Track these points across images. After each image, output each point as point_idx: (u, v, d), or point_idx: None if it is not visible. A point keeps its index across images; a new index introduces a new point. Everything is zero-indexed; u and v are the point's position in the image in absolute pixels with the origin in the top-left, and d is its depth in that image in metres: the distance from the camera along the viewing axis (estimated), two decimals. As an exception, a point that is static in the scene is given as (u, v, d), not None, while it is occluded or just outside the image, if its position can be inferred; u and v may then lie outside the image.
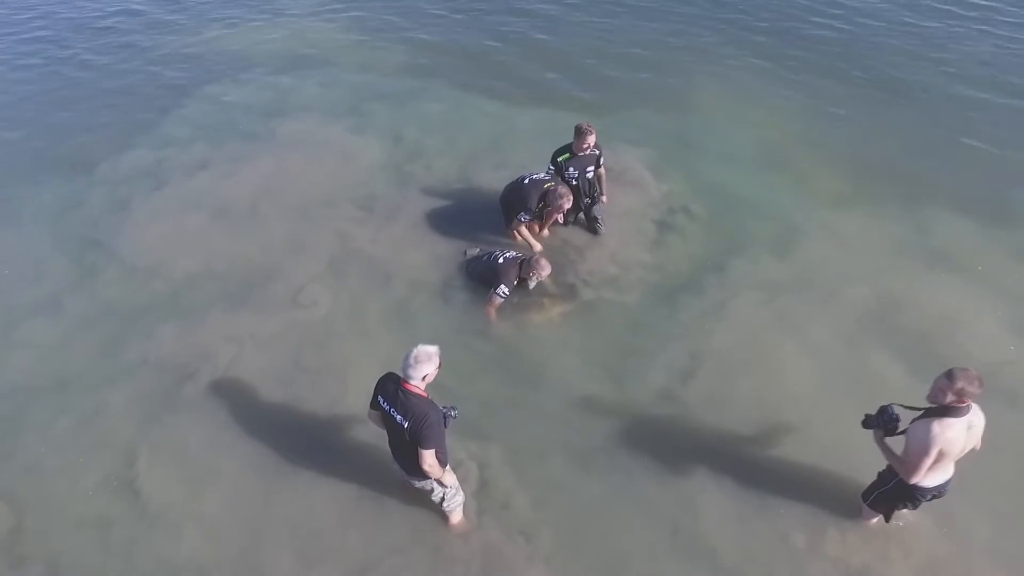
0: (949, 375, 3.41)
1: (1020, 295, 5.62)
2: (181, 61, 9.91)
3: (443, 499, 4.04)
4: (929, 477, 3.62)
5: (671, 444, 4.65)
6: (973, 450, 3.65)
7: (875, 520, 4.11)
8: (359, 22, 10.73)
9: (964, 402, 3.42)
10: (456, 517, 4.20)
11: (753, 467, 4.47)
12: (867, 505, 4.04)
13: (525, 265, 5.64)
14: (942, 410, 3.45)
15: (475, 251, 6.16)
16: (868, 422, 3.75)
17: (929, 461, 3.48)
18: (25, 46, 10.68)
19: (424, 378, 3.64)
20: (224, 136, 8.13)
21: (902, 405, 3.67)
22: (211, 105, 8.80)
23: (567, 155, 6.03)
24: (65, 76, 9.74)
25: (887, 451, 3.72)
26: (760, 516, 4.23)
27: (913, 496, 3.77)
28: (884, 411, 3.68)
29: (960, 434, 3.45)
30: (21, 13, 11.81)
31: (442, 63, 9.46)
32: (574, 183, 6.11)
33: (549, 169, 6.11)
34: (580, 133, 5.89)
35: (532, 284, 5.73)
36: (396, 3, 11.21)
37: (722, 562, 4.04)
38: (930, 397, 3.50)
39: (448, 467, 3.92)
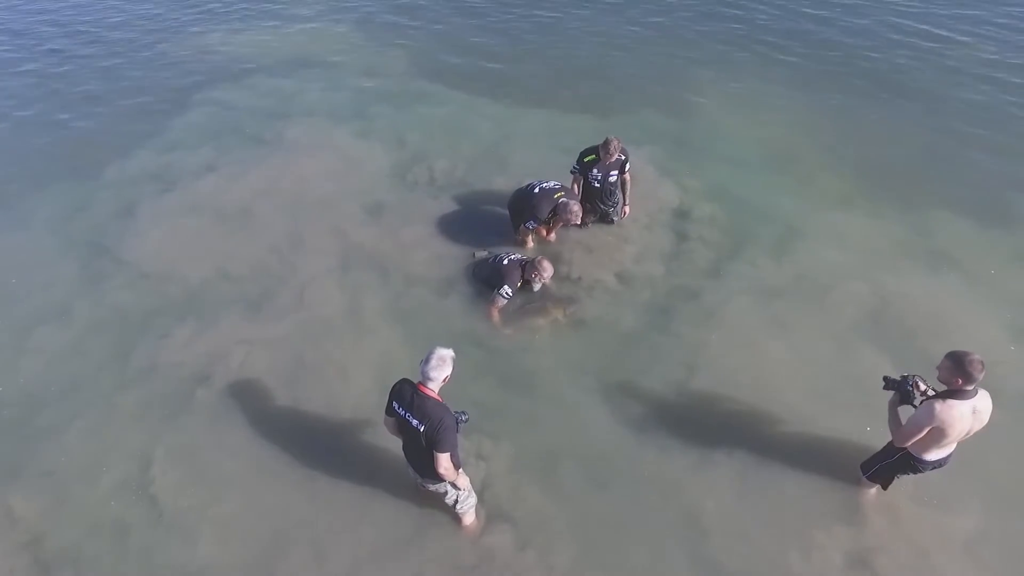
0: (954, 359, 3.58)
1: (1019, 297, 5.69)
2: (186, 65, 9.94)
3: (456, 501, 4.12)
4: (932, 452, 3.84)
5: (671, 453, 4.68)
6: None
7: (873, 490, 4.29)
8: (362, 26, 10.77)
9: (970, 385, 3.58)
10: (469, 519, 4.28)
11: (751, 476, 4.52)
12: (866, 477, 4.24)
13: (528, 267, 5.71)
14: (949, 392, 3.65)
15: (482, 254, 6.23)
16: (889, 384, 3.96)
17: (920, 434, 3.73)
18: (31, 52, 10.69)
19: (443, 380, 3.72)
20: (230, 140, 8.17)
21: (924, 382, 3.85)
22: (217, 109, 8.84)
23: (593, 156, 6.08)
24: (70, 82, 9.76)
25: (893, 415, 3.93)
26: (762, 531, 4.26)
27: (915, 468, 3.97)
28: (905, 379, 3.90)
29: (963, 416, 3.64)
30: (27, 19, 11.82)
31: (445, 66, 9.51)
32: (596, 185, 6.18)
33: (574, 168, 6.17)
34: (607, 145, 5.93)
35: (537, 286, 5.79)
36: (399, 7, 11.25)
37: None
38: (940, 379, 3.70)
39: (461, 470, 3.99)
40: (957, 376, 3.58)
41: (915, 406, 3.83)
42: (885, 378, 3.99)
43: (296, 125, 8.34)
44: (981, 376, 3.54)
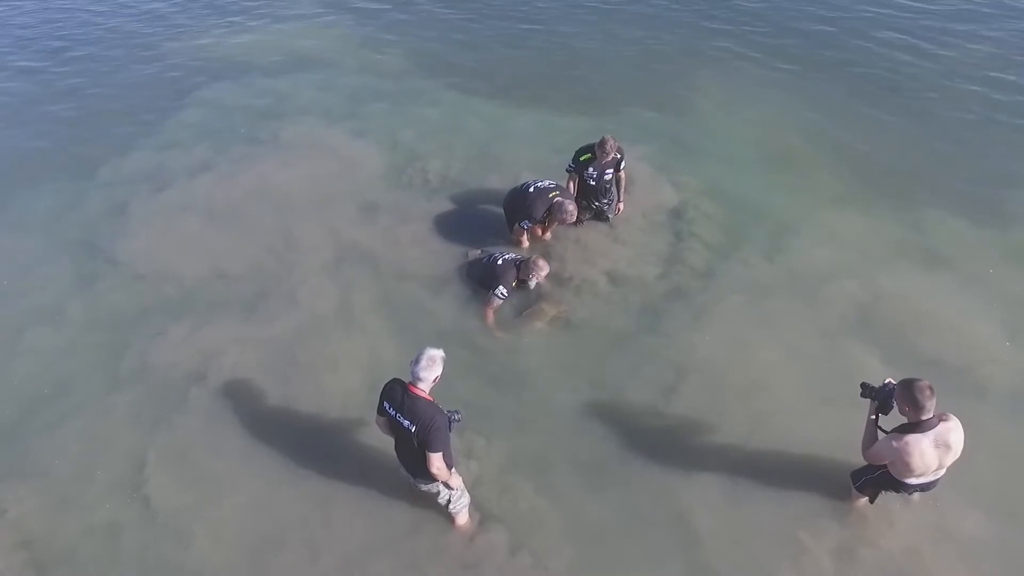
0: (903, 385, 3.49)
1: (1012, 295, 5.69)
2: (180, 65, 9.90)
3: (449, 501, 4.13)
4: (909, 479, 3.74)
5: (661, 456, 4.66)
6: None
7: (862, 501, 4.26)
8: (357, 26, 10.73)
9: (924, 415, 3.47)
10: (462, 519, 4.29)
11: (743, 478, 4.50)
12: (855, 488, 4.20)
13: (523, 266, 5.70)
14: (907, 426, 3.56)
15: (477, 253, 6.23)
16: (866, 391, 3.83)
17: (880, 462, 3.70)
18: (25, 51, 10.66)
19: (434, 381, 3.73)
20: (224, 139, 8.16)
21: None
22: (211, 108, 8.81)
23: (589, 155, 6.06)
24: (65, 81, 9.73)
25: (869, 426, 3.82)
26: (754, 534, 4.25)
27: (897, 487, 3.90)
28: (884, 386, 3.76)
29: (922, 452, 3.52)
30: (21, 18, 11.78)
31: (439, 66, 9.49)
32: (592, 183, 6.17)
33: (570, 167, 6.17)
34: (603, 145, 5.90)
35: (532, 285, 5.79)
36: (394, 8, 11.21)
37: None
38: (898, 409, 3.60)
39: (454, 470, 3.99)
40: (906, 403, 3.47)
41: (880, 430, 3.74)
42: (863, 385, 3.85)
43: (291, 125, 8.32)
44: (931, 403, 3.41)
